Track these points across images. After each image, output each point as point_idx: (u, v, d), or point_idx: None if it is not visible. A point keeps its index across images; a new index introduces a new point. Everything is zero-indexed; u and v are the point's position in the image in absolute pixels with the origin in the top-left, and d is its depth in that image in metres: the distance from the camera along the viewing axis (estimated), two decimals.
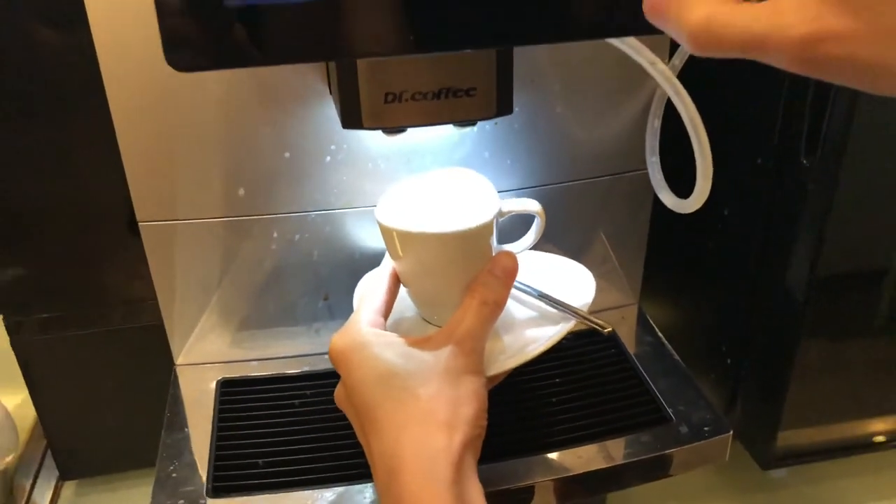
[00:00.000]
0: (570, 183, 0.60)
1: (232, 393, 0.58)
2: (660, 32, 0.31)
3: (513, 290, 0.48)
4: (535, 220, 0.50)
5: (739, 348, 0.64)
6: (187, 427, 0.55)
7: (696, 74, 0.49)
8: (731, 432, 0.53)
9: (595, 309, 0.64)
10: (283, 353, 0.61)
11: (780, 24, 0.25)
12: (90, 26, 0.47)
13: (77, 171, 0.57)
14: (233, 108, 0.51)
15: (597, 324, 0.49)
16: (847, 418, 0.63)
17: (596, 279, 0.52)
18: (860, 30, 0.23)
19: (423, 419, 0.40)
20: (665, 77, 0.44)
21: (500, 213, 0.47)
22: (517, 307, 0.51)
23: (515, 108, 0.49)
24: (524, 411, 0.55)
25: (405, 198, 0.50)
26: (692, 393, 0.56)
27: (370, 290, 0.49)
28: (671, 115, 0.49)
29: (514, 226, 0.51)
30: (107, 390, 0.65)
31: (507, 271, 0.47)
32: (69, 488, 0.71)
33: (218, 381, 0.59)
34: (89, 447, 0.67)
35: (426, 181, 0.51)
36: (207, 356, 0.61)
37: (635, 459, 0.51)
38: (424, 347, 0.43)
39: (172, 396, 0.58)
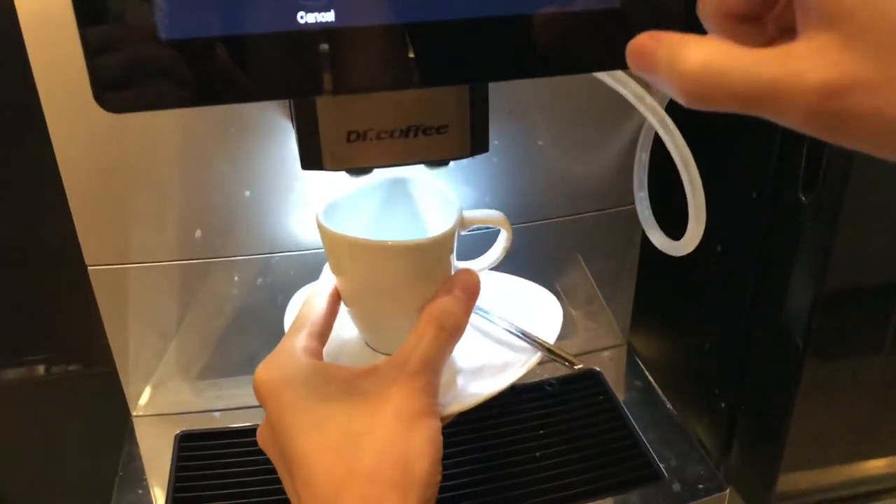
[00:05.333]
0: (553, 220, 0.56)
1: (191, 448, 0.54)
2: None
3: (471, 316, 0.41)
4: (501, 233, 0.44)
5: (734, 391, 0.61)
6: (142, 487, 0.51)
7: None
8: (728, 490, 0.50)
9: (581, 350, 0.61)
10: (247, 402, 0.57)
11: (795, 69, 0.21)
12: (30, 64, 0.44)
13: (24, 212, 0.53)
14: (188, 142, 0.48)
15: (566, 358, 0.43)
16: (853, 459, 0.59)
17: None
18: (891, 81, 0.20)
19: (368, 477, 0.33)
20: (654, 112, 0.41)
21: (462, 224, 0.41)
22: (475, 335, 0.45)
23: (493, 142, 0.45)
24: (505, 468, 0.51)
25: (355, 203, 0.43)
26: (685, 444, 0.53)
27: (305, 311, 0.41)
28: (661, 146, 0.45)
29: (476, 247, 0.46)
30: (63, 441, 0.61)
31: (469, 291, 0.40)
32: None
33: (177, 435, 0.55)
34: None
35: (379, 187, 0.45)
36: (166, 407, 0.57)
37: None
38: (370, 382, 0.36)
39: (127, 452, 0.54)
